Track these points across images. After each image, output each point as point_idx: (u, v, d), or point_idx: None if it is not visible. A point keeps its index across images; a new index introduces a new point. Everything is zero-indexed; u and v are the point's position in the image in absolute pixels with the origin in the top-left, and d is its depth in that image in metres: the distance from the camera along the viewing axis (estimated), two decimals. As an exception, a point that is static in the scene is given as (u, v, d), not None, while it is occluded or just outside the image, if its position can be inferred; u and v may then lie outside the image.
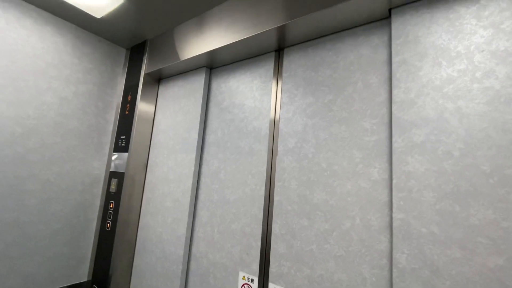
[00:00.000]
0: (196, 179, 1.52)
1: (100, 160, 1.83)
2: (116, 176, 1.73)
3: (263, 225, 1.20)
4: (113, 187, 1.71)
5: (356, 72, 1.06)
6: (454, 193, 0.77)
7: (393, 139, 0.89)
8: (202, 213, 1.46)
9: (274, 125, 1.27)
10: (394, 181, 0.86)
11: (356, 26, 1.10)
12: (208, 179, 1.48)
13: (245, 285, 1.20)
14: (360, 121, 1.02)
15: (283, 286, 1.09)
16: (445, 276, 0.75)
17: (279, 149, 1.22)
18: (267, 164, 1.25)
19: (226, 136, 1.45)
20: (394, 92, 0.91)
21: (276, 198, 1.18)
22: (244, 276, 1.21)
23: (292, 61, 1.27)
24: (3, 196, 1.41)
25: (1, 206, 1.40)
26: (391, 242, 0.89)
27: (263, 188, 1.23)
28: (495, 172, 0.72)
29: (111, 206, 1.70)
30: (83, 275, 1.74)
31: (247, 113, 1.38)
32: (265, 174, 1.24)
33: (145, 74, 1.77)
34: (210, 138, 1.53)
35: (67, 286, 1.65)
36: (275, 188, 1.20)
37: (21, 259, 1.47)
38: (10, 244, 1.43)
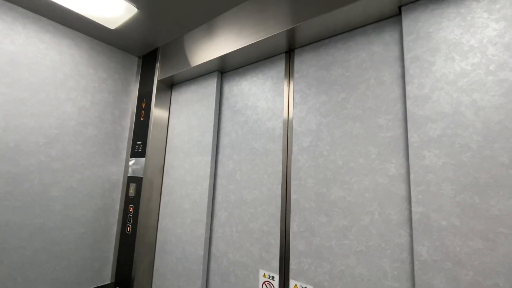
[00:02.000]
0: (213, 180, 1.56)
1: (118, 165, 1.89)
2: (134, 180, 1.78)
3: (281, 223, 1.23)
4: (131, 192, 1.77)
5: (368, 69, 1.08)
6: (474, 185, 0.78)
7: (409, 134, 0.90)
8: (220, 213, 1.50)
9: (287, 125, 1.30)
10: (411, 176, 0.88)
11: (366, 25, 1.12)
12: (224, 180, 1.51)
13: (266, 283, 1.23)
14: (375, 118, 1.03)
15: (304, 283, 1.11)
16: (467, 267, 0.76)
17: (293, 148, 1.25)
18: (283, 164, 1.27)
19: (240, 138, 1.48)
20: (408, 88, 0.93)
21: (293, 196, 1.21)
22: (264, 274, 1.24)
23: (304, 62, 1.29)
24: (30, 203, 1.48)
25: (29, 213, 1.47)
26: (411, 235, 0.90)
27: (280, 187, 1.26)
28: (514, 162, 0.73)
29: (130, 210, 1.76)
30: (106, 277, 1.80)
31: (260, 114, 1.41)
32: (280, 173, 1.27)
33: (158, 81, 1.82)
34: (224, 140, 1.57)
35: (91, 289, 1.72)
36: (292, 187, 1.22)
37: (49, 263, 1.53)
38: (38, 250, 1.50)
